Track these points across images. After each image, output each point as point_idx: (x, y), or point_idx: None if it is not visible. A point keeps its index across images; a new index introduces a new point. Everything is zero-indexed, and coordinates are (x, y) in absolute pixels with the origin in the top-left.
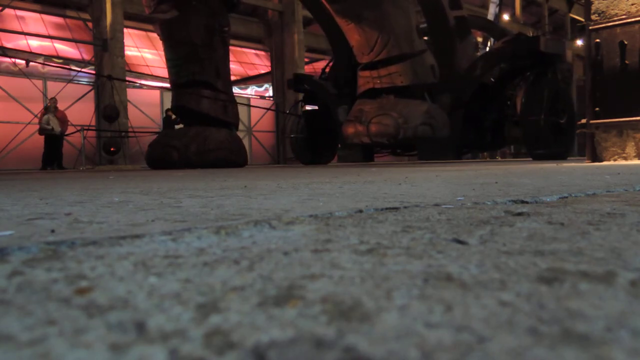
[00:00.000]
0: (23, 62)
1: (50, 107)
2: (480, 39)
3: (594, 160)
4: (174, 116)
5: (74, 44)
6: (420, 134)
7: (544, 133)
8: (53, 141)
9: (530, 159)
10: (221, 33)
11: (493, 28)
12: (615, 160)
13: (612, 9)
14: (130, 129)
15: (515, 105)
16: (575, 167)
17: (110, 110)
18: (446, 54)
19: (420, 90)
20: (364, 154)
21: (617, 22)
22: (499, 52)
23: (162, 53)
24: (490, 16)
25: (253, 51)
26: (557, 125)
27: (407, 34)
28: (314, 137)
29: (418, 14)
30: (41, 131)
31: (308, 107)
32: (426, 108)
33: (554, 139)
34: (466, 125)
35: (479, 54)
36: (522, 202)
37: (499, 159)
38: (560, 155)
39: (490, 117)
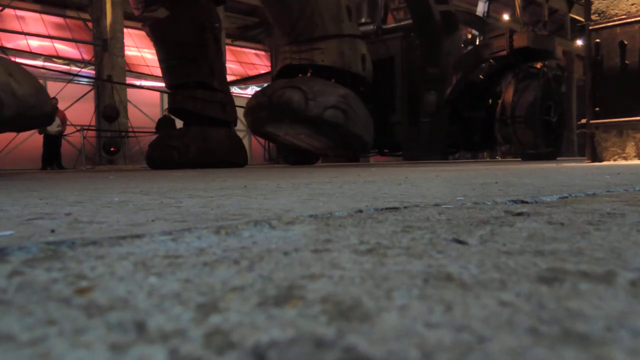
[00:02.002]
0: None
1: None
2: (469, 35)
3: (594, 160)
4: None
5: (74, 44)
6: (329, 117)
7: (534, 133)
8: (51, 141)
9: (528, 159)
10: (212, 30)
11: (480, 24)
12: (615, 160)
13: (612, 9)
14: (130, 129)
15: (505, 103)
16: (575, 167)
17: (110, 110)
18: (431, 51)
19: (344, 77)
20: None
21: (617, 22)
22: (487, 49)
23: None
24: (479, 12)
25: (253, 51)
26: (547, 124)
27: (334, 13)
28: None
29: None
30: (40, 131)
31: None
32: (344, 92)
33: (545, 139)
34: (453, 124)
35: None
36: (522, 202)
37: (499, 158)
38: (550, 155)
39: (479, 116)
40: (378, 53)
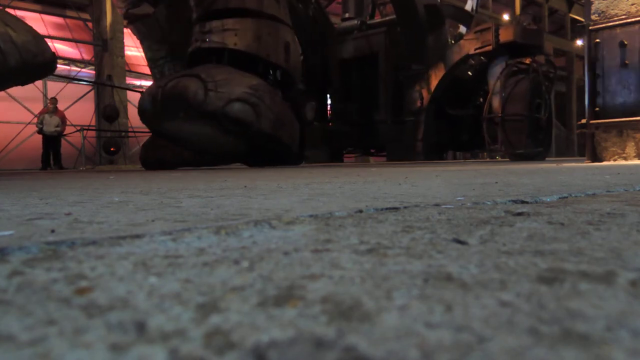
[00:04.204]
0: None
1: (50, 108)
2: (458, 31)
3: (594, 160)
4: None
5: (74, 44)
6: (234, 112)
7: (523, 132)
8: (50, 141)
9: (517, 159)
10: None
11: (467, 18)
12: (615, 160)
13: (612, 9)
14: (130, 129)
15: (492, 101)
16: (575, 167)
17: (110, 110)
18: (416, 46)
19: (266, 70)
20: (332, 153)
21: (617, 22)
22: (473, 44)
23: None
24: (468, 8)
25: None
26: (536, 123)
27: None
28: None
29: None
30: (39, 131)
31: None
32: (255, 83)
33: (534, 139)
34: (439, 123)
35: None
36: (522, 202)
37: (499, 158)
38: (539, 155)
39: (467, 115)
40: (361, 49)
